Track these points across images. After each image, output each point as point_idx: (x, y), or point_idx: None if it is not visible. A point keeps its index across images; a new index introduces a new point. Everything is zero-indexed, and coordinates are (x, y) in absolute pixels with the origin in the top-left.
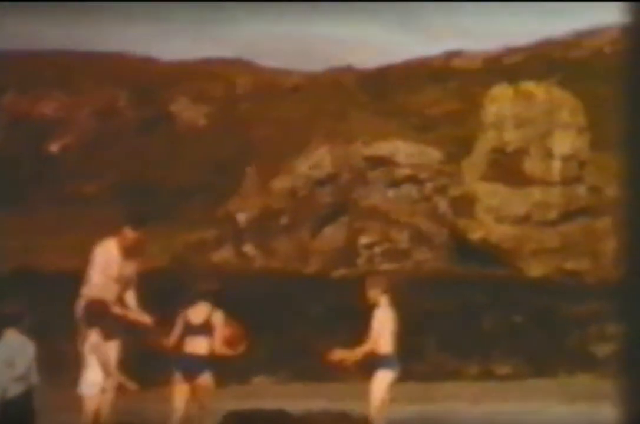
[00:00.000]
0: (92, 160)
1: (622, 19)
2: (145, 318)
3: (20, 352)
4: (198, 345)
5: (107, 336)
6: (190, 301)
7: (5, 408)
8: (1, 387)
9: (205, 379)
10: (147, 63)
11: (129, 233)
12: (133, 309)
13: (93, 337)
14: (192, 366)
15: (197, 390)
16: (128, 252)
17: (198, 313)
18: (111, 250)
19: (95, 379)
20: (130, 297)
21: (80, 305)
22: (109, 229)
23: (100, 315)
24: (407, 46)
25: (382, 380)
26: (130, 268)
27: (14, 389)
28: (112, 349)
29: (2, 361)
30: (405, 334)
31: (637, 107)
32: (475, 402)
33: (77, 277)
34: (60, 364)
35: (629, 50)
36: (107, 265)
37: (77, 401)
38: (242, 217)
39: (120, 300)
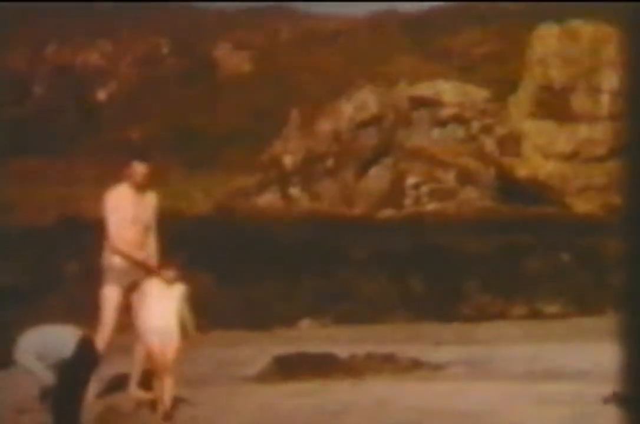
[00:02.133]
0: (135, 108)
1: (623, 19)
2: (152, 262)
3: (52, 349)
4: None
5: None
6: None
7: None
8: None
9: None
10: (189, 12)
11: (138, 168)
12: (149, 254)
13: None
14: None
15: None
16: (141, 190)
17: None
18: (122, 192)
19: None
20: (150, 241)
21: (105, 256)
22: (154, 176)
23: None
24: None
25: None
26: (147, 210)
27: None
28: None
29: (35, 352)
30: (449, 275)
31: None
32: (522, 342)
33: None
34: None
35: (629, 50)
36: (120, 208)
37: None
38: (287, 160)
39: (141, 245)
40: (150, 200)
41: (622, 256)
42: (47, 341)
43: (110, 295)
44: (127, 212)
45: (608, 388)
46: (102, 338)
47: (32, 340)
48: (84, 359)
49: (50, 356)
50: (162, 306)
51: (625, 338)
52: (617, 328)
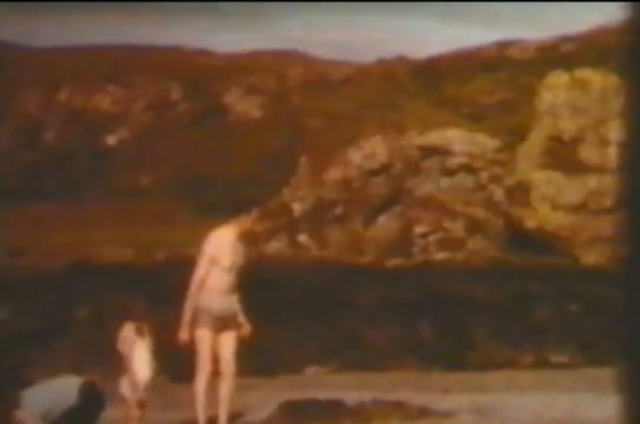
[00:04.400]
0: (146, 153)
1: (623, 19)
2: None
3: (56, 402)
4: None
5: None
6: None
7: None
8: None
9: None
10: (199, 56)
11: (248, 219)
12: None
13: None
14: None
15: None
16: (245, 240)
17: None
18: (226, 238)
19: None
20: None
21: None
22: (163, 221)
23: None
24: (458, 35)
25: None
26: (242, 258)
27: None
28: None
29: (38, 412)
30: (459, 323)
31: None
32: (530, 390)
33: (133, 269)
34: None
35: (629, 50)
36: (218, 253)
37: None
38: (297, 207)
39: (233, 290)
40: (242, 246)
41: (625, 308)
42: (50, 397)
43: (202, 337)
44: (225, 261)
45: None
46: (201, 381)
47: (36, 398)
48: (89, 404)
49: (57, 410)
50: None
51: (627, 389)
52: (619, 379)
